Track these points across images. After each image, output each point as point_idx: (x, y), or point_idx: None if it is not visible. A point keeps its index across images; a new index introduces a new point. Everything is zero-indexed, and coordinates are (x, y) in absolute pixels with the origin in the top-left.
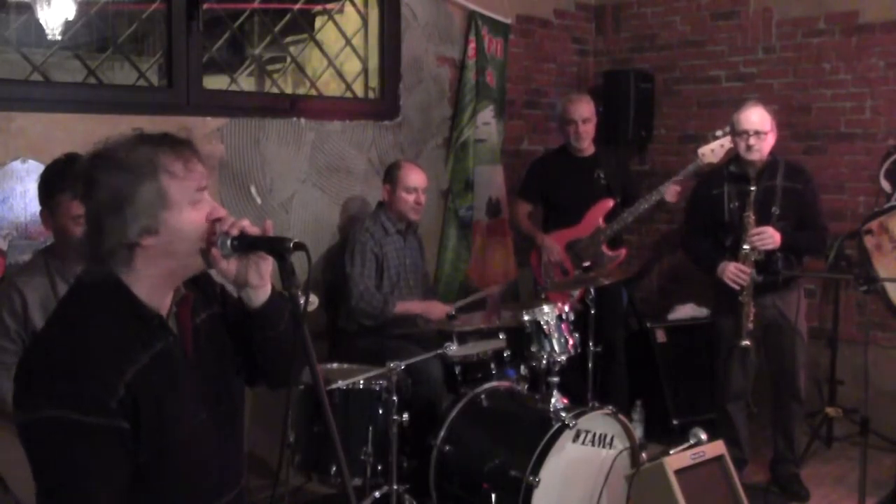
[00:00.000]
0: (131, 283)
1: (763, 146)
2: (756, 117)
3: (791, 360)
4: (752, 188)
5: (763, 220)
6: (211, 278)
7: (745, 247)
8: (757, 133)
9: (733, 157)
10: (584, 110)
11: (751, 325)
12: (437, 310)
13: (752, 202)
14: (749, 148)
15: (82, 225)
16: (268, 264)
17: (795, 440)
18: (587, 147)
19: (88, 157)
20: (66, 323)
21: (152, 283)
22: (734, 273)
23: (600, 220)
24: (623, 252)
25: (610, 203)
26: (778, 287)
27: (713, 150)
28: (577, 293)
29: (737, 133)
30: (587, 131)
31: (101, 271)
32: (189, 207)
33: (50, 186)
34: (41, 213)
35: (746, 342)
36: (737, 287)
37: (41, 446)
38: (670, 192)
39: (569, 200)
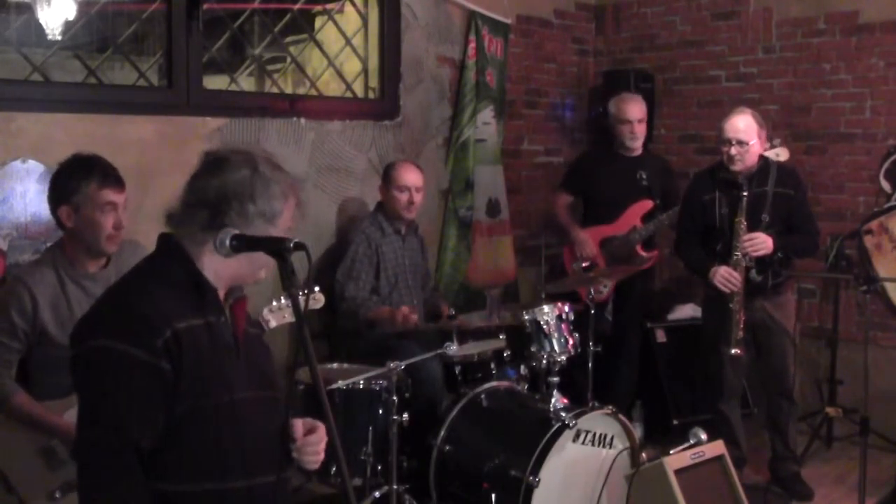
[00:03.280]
0: (200, 263)
1: (746, 156)
2: (741, 125)
3: (781, 360)
4: (745, 194)
5: (752, 226)
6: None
7: (737, 253)
8: (739, 143)
9: (723, 162)
10: (639, 111)
11: (741, 334)
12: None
13: (743, 208)
14: (731, 158)
15: (111, 213)
16: None
17: (791, 438)
18: (638, 147)
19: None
20: (133, 278)
21: (221, 272)
22: (724, 276)
23: (638, 220)
24: (656, 254)
25: (649, 204)
26: (767, 291)
27: (778, 154)
28: (609, 286)
29: (721, 141)
30: (642, 131)
31: (174, 244)
32: (283, 235)
33: (73, 180)
34: (61, 211)
35: (736, 351)
36: (727, 290)
37: (87, 372)
38: None
39: (609, 197)
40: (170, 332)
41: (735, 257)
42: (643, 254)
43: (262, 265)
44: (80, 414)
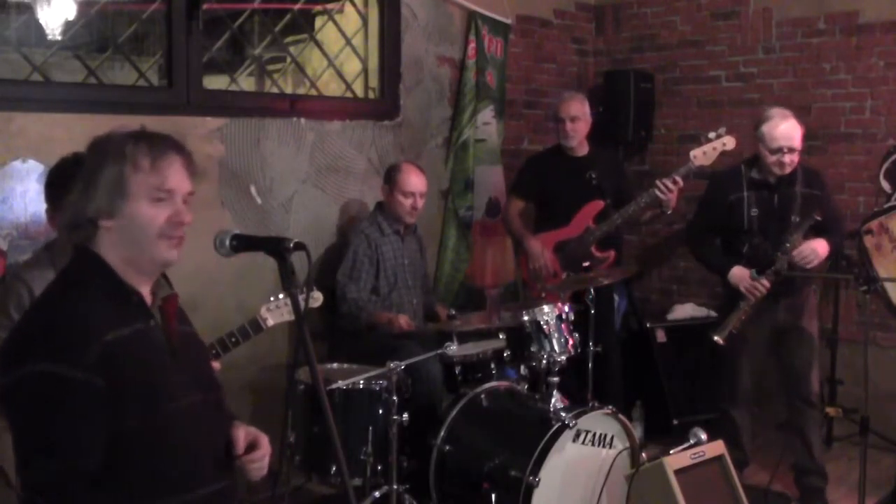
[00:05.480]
0: (107, 259)
1: (795, 159)
2: (794, 132)
3: (805, 364)
4: (797, 219)
5: (783, 227)
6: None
7: (778, 264)
8: (791, 150)
9: (752, 161)
10: (573, 109)
11: (734, 330)
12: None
13: (798, 225)
14: (782, 165)
15: None
16: None
17: (817, 448)
18: (577, 146)
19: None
20: (49, 295)
21: (120, 266)
22: (753, 287)
23: (590, 221)
24: (612, 254)
25: (600, 204)
26: (792, 291)
27: (705, 153)
28: (566, 295)
29: (770, 149)
30: (575, 130)
31: (84, 249)
32: (147, 202)
33: (57, 187)
34: (47, 211)
35: (718, 339)
36: (751, 297)
37: (23, 402)
38: (671, 199)
39: (561, 200)
40: (99, 345)
41: (776, 267)
42: (599, 254)
43: (147, 244)
44: (20, 451)
